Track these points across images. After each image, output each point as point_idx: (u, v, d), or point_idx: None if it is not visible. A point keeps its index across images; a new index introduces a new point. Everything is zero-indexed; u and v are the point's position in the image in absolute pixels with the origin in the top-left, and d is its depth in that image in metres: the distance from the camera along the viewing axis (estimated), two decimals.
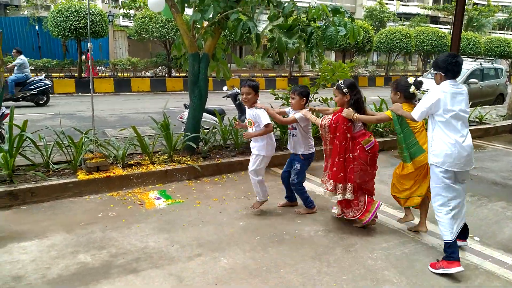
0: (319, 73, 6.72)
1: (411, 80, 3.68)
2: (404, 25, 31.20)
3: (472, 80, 11.82)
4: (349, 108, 3.65)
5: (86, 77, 16.66)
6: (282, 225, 3.97)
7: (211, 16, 5.37)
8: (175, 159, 5.40)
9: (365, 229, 3.89)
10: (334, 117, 3.70)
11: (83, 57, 17.48)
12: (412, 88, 3.63)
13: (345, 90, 3.68)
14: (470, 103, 11.00)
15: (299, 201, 4.38)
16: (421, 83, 3.68)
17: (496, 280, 3.11)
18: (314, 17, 4.97)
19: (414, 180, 3.74)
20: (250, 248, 3.50)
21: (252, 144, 4.12)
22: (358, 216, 3.81)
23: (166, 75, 18.38)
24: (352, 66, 10.01)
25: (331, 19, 4.97)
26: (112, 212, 4.17)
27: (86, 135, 5.03)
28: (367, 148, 3.70)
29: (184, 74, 18.57)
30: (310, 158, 4.19)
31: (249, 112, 4.04)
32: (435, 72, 3.28)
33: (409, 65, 32.21)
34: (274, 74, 21.71)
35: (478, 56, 21.08)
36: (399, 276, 3.11)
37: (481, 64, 12.59)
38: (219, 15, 5.37)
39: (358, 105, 3.70)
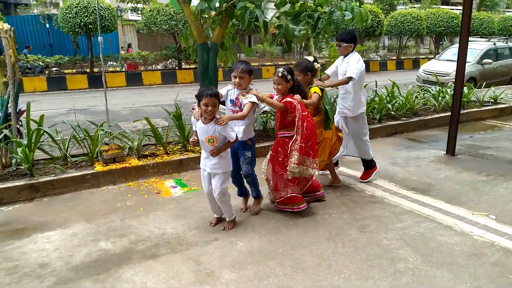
0: (328, 59, 6.68)
1: (311, 58, 4.09)
2: (414, 7, 30.53)
3: (486, 60, 11.61)
4: (296, 94, 3.68)
5: (129, 70, 17.30)
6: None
7: (217, 5, 5.38)
8: (189, 148, 5.48)
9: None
10: (296, 103, 3.61)
11: (122, 52, 17.77)
12: (317, 65, 4.08)
13: (289, 77, 3.60)
14: (484, 83, 10.81)
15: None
16: (316, 58, 4.16)
17: None
18: (320, 3, 4.94)
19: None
20: (265, 231, 3.56)
21: (211, 162, 3.42)
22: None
23: (176, 67, 18.47)
24: (361, 50, 9.91)
25: (338, 4, 4.94)
26: (130, 202, 4.27)
27: (101, 128, 5.14)
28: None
29: (194, 66, 18.64)
30: (255, 141, 3.84)
31: (208, 128, 3.29)
32: (347, 44, 4.29)
33: (421, 48, 31.60)
34: (284, 62, 21.60)
35: (492, 36, 20.59)
36: (414, 255, 3.14)
37: (494, 43, 12.32)
38: (225, 3, 5.37)
39: (301, 89, 3.74)
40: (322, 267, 3.00)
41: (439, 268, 2.96)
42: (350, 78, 4.25)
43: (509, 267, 2.97)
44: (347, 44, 4.31)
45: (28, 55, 15.88)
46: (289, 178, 3.72)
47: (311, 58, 4.10)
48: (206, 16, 5.88)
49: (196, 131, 3.40)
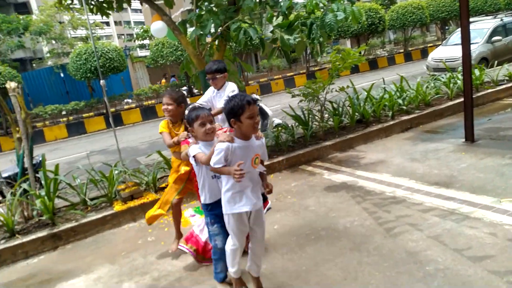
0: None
1: (181, 90, 3.91)
2: None
3: (495, 38, 11.29)
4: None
5: None
6: (317, 222, 3.93)
7: (212, 30, 5.45)
8: None
9: None
10: None
11: (157, 83, 18.55)
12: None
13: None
14: (496, 61, 10.42)
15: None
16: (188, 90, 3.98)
17: None
18: (312, 9, 4.93)
19: None
20: (287, 250, 3.48)
21: (258, 193, 2.72)
22: None
23: (189, 95, 18.78)
24: (363, 50, 9.79)
25: (329, 6, 4.92)
26: (151, 237, 4.28)
27: (115, 167, 5.21)
28: None
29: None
30: None
31: (253, 144, 2.65)
32: (222, 74, 4.11)
33: (428, 36, 31.07)
34: (292, 73, 21.64)
35: (499, 12, 20.08)
36: (443, 254, 2.99)
37: (502, 19, 11.99)
38: (220, 27, 5.44)
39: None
40: (348, 281, 2.89)
41: (472, 266, 2.80)
42: None
43: None
44: (222, 74, 4.12)
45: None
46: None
47: (181, 90, 4.01)
48: (204, 43, 5.96)
49: (229, 161, 2.55)
